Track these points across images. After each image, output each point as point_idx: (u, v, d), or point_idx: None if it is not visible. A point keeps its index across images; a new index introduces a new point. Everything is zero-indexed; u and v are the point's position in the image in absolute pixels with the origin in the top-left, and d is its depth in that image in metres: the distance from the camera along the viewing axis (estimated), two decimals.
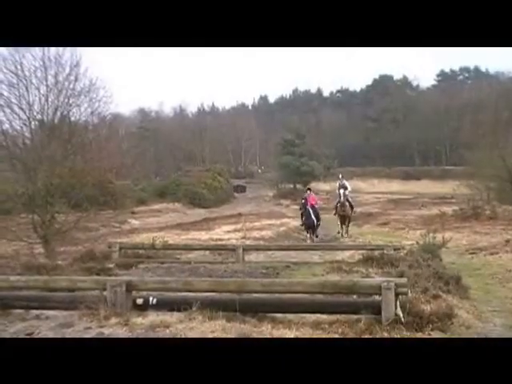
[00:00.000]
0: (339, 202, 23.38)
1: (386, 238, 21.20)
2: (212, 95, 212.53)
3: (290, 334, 5.82)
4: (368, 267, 12.18)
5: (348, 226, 24.15)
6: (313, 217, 21.65)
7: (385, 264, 12.17)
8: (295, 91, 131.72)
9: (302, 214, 22.95)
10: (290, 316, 6.94)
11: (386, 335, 5.83)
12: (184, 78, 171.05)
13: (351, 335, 5.90)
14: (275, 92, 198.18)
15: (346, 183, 24.14)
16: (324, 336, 5.86)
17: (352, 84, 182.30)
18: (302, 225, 23.44)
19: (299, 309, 6.99)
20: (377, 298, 6.65)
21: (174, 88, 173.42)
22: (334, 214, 24.26)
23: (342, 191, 23.29)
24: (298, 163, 68.26)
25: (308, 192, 23.88)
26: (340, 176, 24.99)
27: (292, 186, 71.33)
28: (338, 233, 23.65)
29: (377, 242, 18.39)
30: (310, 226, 21.96)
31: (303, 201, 22.58)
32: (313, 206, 22.25)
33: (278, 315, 7.00)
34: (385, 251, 13.60)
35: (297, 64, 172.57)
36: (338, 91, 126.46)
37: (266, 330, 5.99)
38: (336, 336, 5.86)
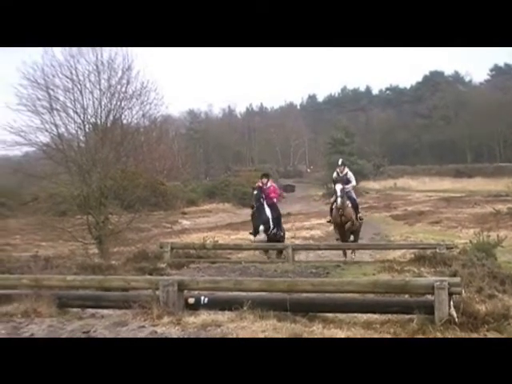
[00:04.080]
0: (335, 203, 15.03)
1: (438, 237, 20.77)
2: (260, 95, 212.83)
3: (341, 333, 5.80)
4: (420, 266, 12.00)
5: (356, 239, 16.19)
6: (268, 214, 14.95)
7: (437, 263, 11.97)
8: (344, 90, 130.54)
9: (252, 215, 15.61)
10: (340, 316, 6.91)
11: (439, 335, 5.74)
12: (233, 79, 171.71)
13: (403, 335, 5.84)
14: (323, 91, 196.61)
15: (349, 174, 15.71)
16: (375, 336, 5.81)
17: (401, 81, 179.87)
18: (251, 233, 15.67)
19: (350, 308, 6.95)
20: (429, 297, 6.55)
21: (222, 89, 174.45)
22: (329, 222, 16.57)
23: (339, 186, 14.78)
24: (347, 162, 67.50)
25: (264, 180, 15.67)
26: (339, 162, 16.06)
27: None
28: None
29: (429, 241, 18.07)
30: (267, 235, 15.01)
31: (255, 192, 14.93)
32: (273, 204, 15.43)
33: (329, 315, 6.99)
34: (437, 250, 13.36)
35: (345, 62, 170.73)
36: (388, 89, 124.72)
37: (316, 329, 5.97)
38: (388, 336, 5.80)
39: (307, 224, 28.43)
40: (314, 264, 13.75)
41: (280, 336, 5.62)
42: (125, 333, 6.30)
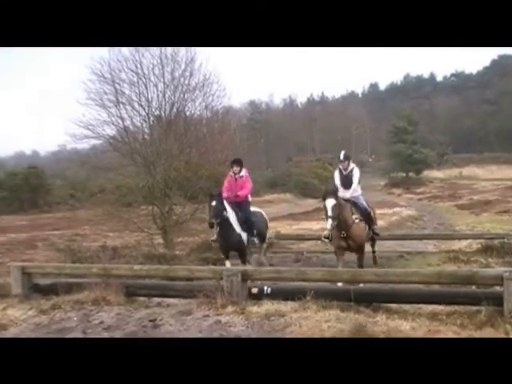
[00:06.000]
0: (330, 217, 9.21)
1: (506, 227, 20.13)
2: (321, 84, 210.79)
3: (406, 324, 5.74)
4: (487, 257, 11.72)
5: (361, 263, 10.20)
6: (236, 228, 10.60)
7: (506, 253, 11.66)
8: (406, 77, 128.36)
9: (218, 234, 10.51)
10: (405, 306, 6.84)
11: (508, 328, 5.60)
12: (293, 69, 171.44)
13: (471, 327, 5.73)
14: (385, 79, 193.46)
15: (355, 170, 10.65)
16: (441, 328, 5.72)
17: (467, 66, 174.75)
18: (214, 240, 10.97)
19: (415, 299, 6.86)
20: (498, 288, 6.39)
21: (283, 79, 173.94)
22: (326, 239, 10.17)
23: (330, 203, 9.29)
24: (410, 151, 66.41)
25: (236, 168, 11.12)
26: (341, 156, 10.63)
27: (404, 174, 69.55)
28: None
29: (496, 231, 17.55)
30: (230, 250, 10.73)
31: (213, 202, 10.17)
32: (242, 203, 11.06)
33: (393, 305, 6.92)
34: (505, 240, 12.99)
35: (408, 49, 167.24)
36: (453, 75, 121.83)
37: (380, 320, 5.94)
38: (455, 328, 5.70)
39: None
40: (377, 254, 13.61)
41: (343, 326, 5.61)
42: (190, 321, 6.45)
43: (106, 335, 6.28)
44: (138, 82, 17.78)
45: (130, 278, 8.54)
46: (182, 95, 18.38)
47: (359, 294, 6.88)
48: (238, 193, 10.94)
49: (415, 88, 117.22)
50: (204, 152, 19.03)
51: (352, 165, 10.71)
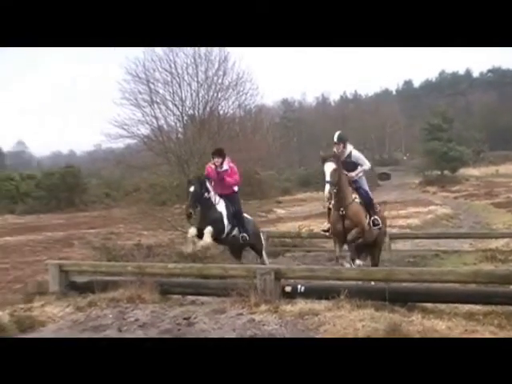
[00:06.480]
0: (328, 182, 8.57)
1: None
2: (355, 82, 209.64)
3: (442, 324, 5.67)
4: None
5: (376, 261, 9.82)
6: (220, 210, 9.38)
7: None
8: (441, 73, 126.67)
9: (188, 214, 9.17)
10: (440, 306, 6.76)
11: None
12: (326, 67, 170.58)
13: (509, 328, 5.63)
14: (420, 76, 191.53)
15: (355, 152, 9.43)
16: (478, 328, 5.64)
17: (505, 62, 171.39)
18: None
19: (450, 299, 6.78)
20: None
21: (316, 77, 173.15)
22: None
23: (329, 167, 8.68)
24: (445, 148, 65.41)
25: (218, 160, 9.65)
26: (335, 137, 9.29)
27: (439, 172, 68.60)
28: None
29: None
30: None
31: (191, 188, 9.06)
32: (231, 195, 9.81)
33: (429, 305, 6.85)
34: None
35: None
36: (489, 71, 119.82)
37: (416, 319, 5.87)
38: (492, 328, 5.61)
39: (403, 212, 27.80)
40: (412, 253, 13.49)
41: (378, 326, 5.57)
42: (223, 320, 6.48)
43: (140, 333, 6.36)
44: (171, 82, 17.93)
45: (165, 276, 8.61)
46: (215, 94, 18.47)
47: (394, 293, 6.82)
48: (228, 181, 9.56)
49: (450, 85, 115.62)
50: (237, 151, 19.07)
51: (349, 148, 9.25)
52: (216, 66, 18.34)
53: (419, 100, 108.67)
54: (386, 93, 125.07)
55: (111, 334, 6.39)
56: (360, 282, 7.64)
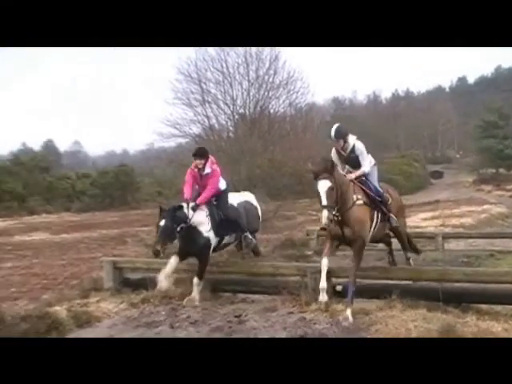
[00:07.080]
0: (324, 207, 6.56)
1: None
2: (407, 79, 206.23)
3: (498, 326, 5.55)
4: None
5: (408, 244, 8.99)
6: (203, 231, 8.11)
7: None
8: (498, 69, 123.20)
9: (155, 252, 7.88)
10: (496, 307, 6.61)
11: None
12: (377, 65, 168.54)
13: None
14: (474, 72, 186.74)
15: (358, 145, 7.87)
16: None
17: None
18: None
19: (507, 300, 6.60)
20: None
21: (367, 75, 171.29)
22: (323, 230, 7.06)
23: (323, 185, 6.69)
24: (500, 146, 63.70)
25: (200, 161, 8.22)
26: (332, 132, 7.67)
27: (494, 170, 66.84)
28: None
29: None
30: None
31: (162, 222, 7.76)
32: (217, 198, 8.52)
33: (484, 306, 6.70)
34: None
35: None
36: None
37: (470, 321, 5.77)
38: None
39: (457, 211, 27.20)
40: (466, 253, 13.18)
41: (431, 326, 5.49)
42: (274, 318, 6.51)
43: (192, 330, 6.44)
44: (223, 81, 18.17)
45: (216, 273, 8.68)
46: (266, 93, 18.59)
47: (447, 293, 6.69)
48: (198, 200, 8.11)
49: (507, 80, 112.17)
50: (288, 149, 19.08)
51: (351, 141, 7.84)
52: (267, 65, 18.46)
53: (473, 96, 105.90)
54: (438, 90, 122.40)
55: (164, 330, 6.50)
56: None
